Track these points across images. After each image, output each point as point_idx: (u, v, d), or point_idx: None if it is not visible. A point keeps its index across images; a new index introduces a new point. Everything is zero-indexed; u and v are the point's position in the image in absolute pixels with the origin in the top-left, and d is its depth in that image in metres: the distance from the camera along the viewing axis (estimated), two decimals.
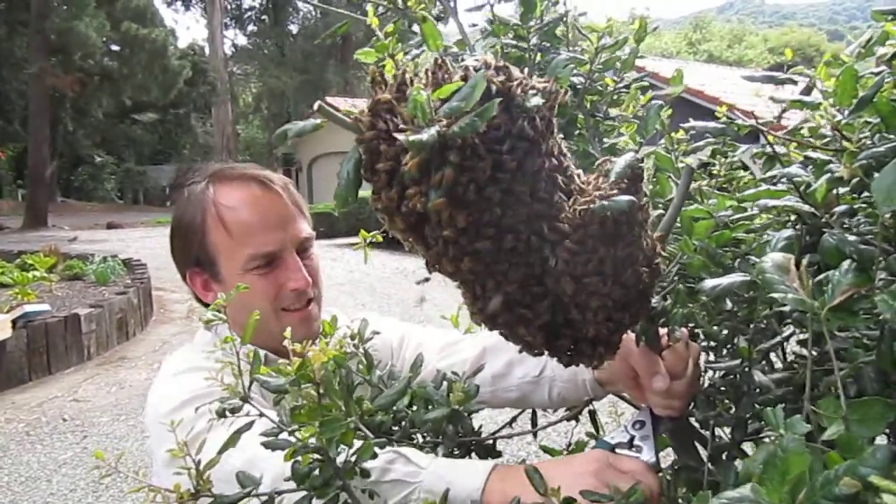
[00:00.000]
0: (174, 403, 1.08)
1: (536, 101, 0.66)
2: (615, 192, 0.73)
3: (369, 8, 0.76)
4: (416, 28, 1.06)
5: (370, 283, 11.17)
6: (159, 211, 29.71)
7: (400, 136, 0.62)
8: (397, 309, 9.70)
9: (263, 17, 42.90)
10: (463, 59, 0.69)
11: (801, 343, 0.99)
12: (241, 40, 44.93)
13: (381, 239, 1.28)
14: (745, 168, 1.15)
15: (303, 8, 40.24)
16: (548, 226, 0.71)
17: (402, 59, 0.72)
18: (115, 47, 24.78)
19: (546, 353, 0.81)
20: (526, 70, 0.79)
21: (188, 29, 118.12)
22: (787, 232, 0.81)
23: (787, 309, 0.85)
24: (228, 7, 41.21)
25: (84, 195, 32.42)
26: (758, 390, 0.95)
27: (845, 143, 0.73)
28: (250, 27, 43.90)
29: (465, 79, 0.66)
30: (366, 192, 0.73)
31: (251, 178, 1.26)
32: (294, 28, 42.72)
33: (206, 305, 1.28)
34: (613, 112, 1.15)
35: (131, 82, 24.93)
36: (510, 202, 0.68)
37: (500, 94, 0.65)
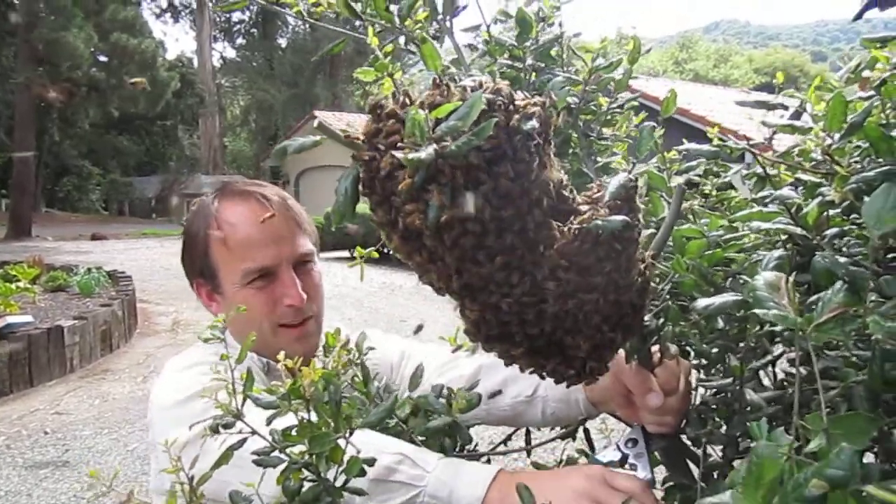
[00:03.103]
0: (180, 396, 1.10)
1: (533, 123, 0.67)
2: (609, 211, 0.74)
3: (369, 28, 0.77)
4: (412, 46, 1.08)
5: (357, 298, 11.15)
6: (144, 223, 29.59)
7: (398, 154, 0.63)
8: (383, 324, 9.68)
9: (252, 30, 42.97)
10: (460, 80, 0.70)
11: (792, 362, 1.01)
12: (230, 53, 45.00)
13: (377, 255, 1.29)
14: (735, 188, 1.17)
15: (292, 22, 40.30)
16: (543, 244, 0.72)
17: (399, 78, 0.73)
18: (102, 58, 24.70)
19: (539, 371, 0.82)
20: (520, 90, 0.81)
21: (177, 41, 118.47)
22: (779, 252, 0.83)
23: (778, 328, 0.86)
24: (217, 20, 41.24)
25: (69, 206, 32.23)
26: (748, 408, 0.96)
27: (836, 168, 0.74)
28: (239, 40, 43.98)
29: (462, 99, 0.67)
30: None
31: (251, 194, 1.29)
32: (283, 42, 42.79)
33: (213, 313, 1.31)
34: (606, 132, 1.16)
35: (119, 93, 24.85)
36: (506, 220, 0.69)
37: (496, 114, 0.66)
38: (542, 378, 0.84)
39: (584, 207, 0.77)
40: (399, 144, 0.65)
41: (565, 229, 0.74)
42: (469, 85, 0.69)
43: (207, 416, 0.87)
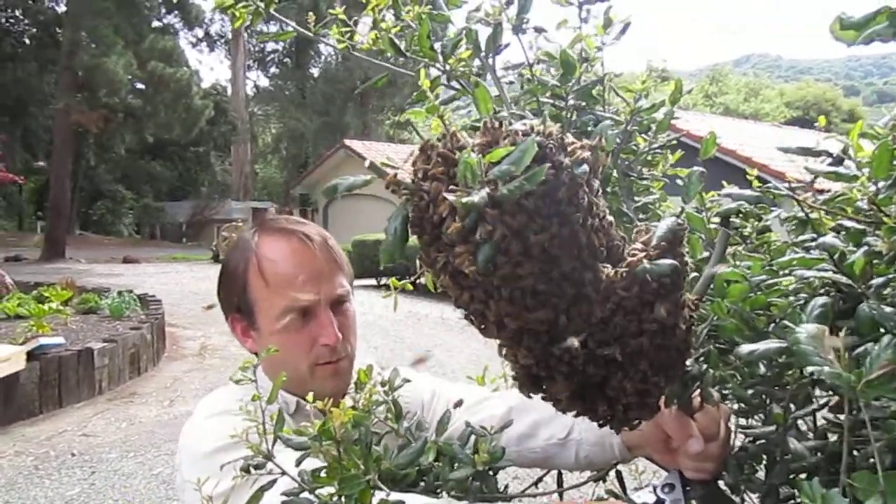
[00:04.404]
0: (207, 448, 1.10)
1: (584, 168, 0.67)
2: (657, 253, 0.74)
3: (421, 71, 0.79)
4: (454, 83, 1.09)
5: (383, 326, 11.16)
6: (175, 247, 29.97)
7: (450, 197, 0.63)
8: (409, 353, 9.66)
9: (286, 59, 43.73)
10: (511, 123, 0.71)
11: (832, 409, 0.99)
12: (263, 82, 45.80)
13: (411, 287, 1.30)
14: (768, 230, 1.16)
15: (324, 52, 41.01)
16: (591, 287, 0.72)
17: (448, 118, 0.74)
18: (140, 85, 25.27)
19: (582, 414, 0.81)
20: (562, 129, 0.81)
21: (212, 69, 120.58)
22: (822, 300, 0.82)
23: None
24: (252, 49, 42.06)
25: (102, 229, 32.78)
26: (789, 456, 0.94)
27: (884, 219, 0.73)
28: (272, 69, 44.76)
29: (513, 143, 0.67)
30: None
31: (292, 232, 1.28)
32: (315, 71, 43.48)
33: (249, 350, 1.32)
34: (645, 171, 1.16)
35: (154, 120, 25.38)
36: (556, 264, 0.69)
37: (548, 160, 0.67)
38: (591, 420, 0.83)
39: (631, 250, 0.77)
40: (451, 187, 0.66)
41: (613, 272, 0.74)
42: (520, 129, 0.69)
43: (237, 467, 0.88)
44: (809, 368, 0.66)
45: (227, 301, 1.33)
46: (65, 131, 23.17)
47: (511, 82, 1.11)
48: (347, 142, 27.17)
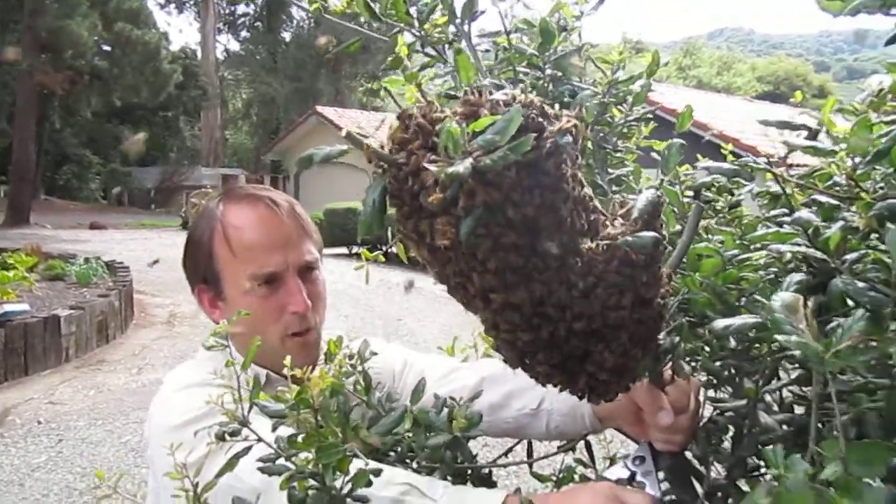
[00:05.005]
0: (176, 421, 1.08)
1: (567, 138, 0.66)
2: (638, 226, 0.74)
3: (399, 38, 0.76)
4: (429, 50, 1.07)
5: (354, 296, 11.14)
6: (144, 213, 29.55)
7: (432, 167, 0.62)
8: (380, 321, 9.67)
9: (257, 23, 42.90)
10: (491, 92, 0.69)
11: (800, 383, 1.00)
12: (234, 46, 44.90)
13: (383, 259, 1.28)
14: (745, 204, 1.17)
15: (296, 16, 40.29)
16: (573, 260, 0.72)
17: (426, 85, 0.72)
18: (106, 47, 24.64)
19: (562, 387, 0.81)
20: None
21: (181, 32, 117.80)
22: (798, 276, 0.82)
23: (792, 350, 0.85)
24: (222, 12, 41.21)
25: (68, 194, 32.13)
26: (757, 429, 0.95)
27: (861, 194, 0.73)
28: (243, 33, 43.88)
29: (493, 112, 0.66)
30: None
31: (258, 198, 1.26)
32: (287, 36, 42.73)
33: (216, 322, 1.28)
34: (620, 143, 1.15)
35: (121, 83, 24.79)
36: (539, 235, 0.68)
37: (532, 130, 0.65)
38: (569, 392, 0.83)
39: (611, 223, 0.76)
40: (432, 157, 0.64)
41: (594, 245, 0.73)
42: (501, 98, 0.68)
43: (211, 434, 0.86)
44: (779, 337, 0.66)
45: (193, 272, 1.30)
46: (28, 92, 22.55)
47: (487, 50, 1.09)
48: (320, 108, 26.88)
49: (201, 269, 1.27)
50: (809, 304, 0.72)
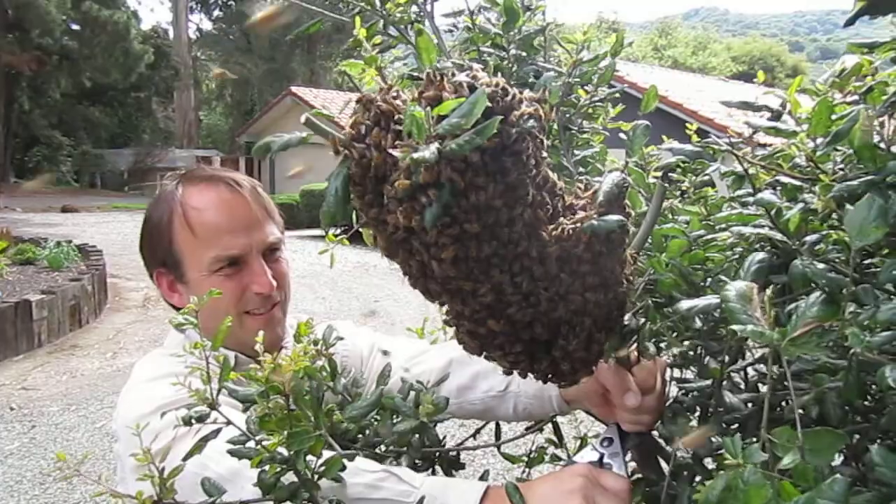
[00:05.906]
0: (144, 410, 1.05)
1: (532, 122, 0.65)
2: (602, 210, 0.73)
3: (357, 19, 0.75)
4: (391, 31, 1.05)
5: (331, 277, 11.10)
6: (116, 196, 29.12)
7: (396, 153, 0.60)
8: (357, 303, 9.65)
9: (230, 2, 42.21)
10: (453, 74, 0.68)
11: (764, 361, 1.01)
12: (207, 25, 44.15)
13: (347, 243, 1.27)
14: (714, 185, 1.17)
15: None
16: (536, 244, 0.71)
17: (386, 67, 0.71)
18: (75, 27, 24.14)
19: (527, 372, 0.81)
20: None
21: (152, 11, 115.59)
22: (760, 255, 0.82)
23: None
24: None
25: (39, 177, 31.54)
26: (721, 409, 0.96)
27: (821, 176, 0.74)
28: (216, 12, 43.17)
29: (456, 95, 0.65)
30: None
31: (219, 179, 1.24)
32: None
33: (175, 307, 1.26)
34: (586, 124, 1.15)
35: (91, 63, 24.37)
36: (501, 220, 0.67)
37: (497, 112, 0.64)
38: (525, 377, 0.83)
39: (575, 206, 0.76)
40: (397, 143, 0.63)
41: (558, 229, 0.73)
42: (465, 81, 0.66)
43: (168, 434, 0.85)
44: (734, 327, 0.67)
45: (152, 256, 1.28)
46: None
47: (449, 30, 1.07)
48: (294, 89, 26.55)
49: (160, 253, 1.25)
50: (768, 290, 0.72)
